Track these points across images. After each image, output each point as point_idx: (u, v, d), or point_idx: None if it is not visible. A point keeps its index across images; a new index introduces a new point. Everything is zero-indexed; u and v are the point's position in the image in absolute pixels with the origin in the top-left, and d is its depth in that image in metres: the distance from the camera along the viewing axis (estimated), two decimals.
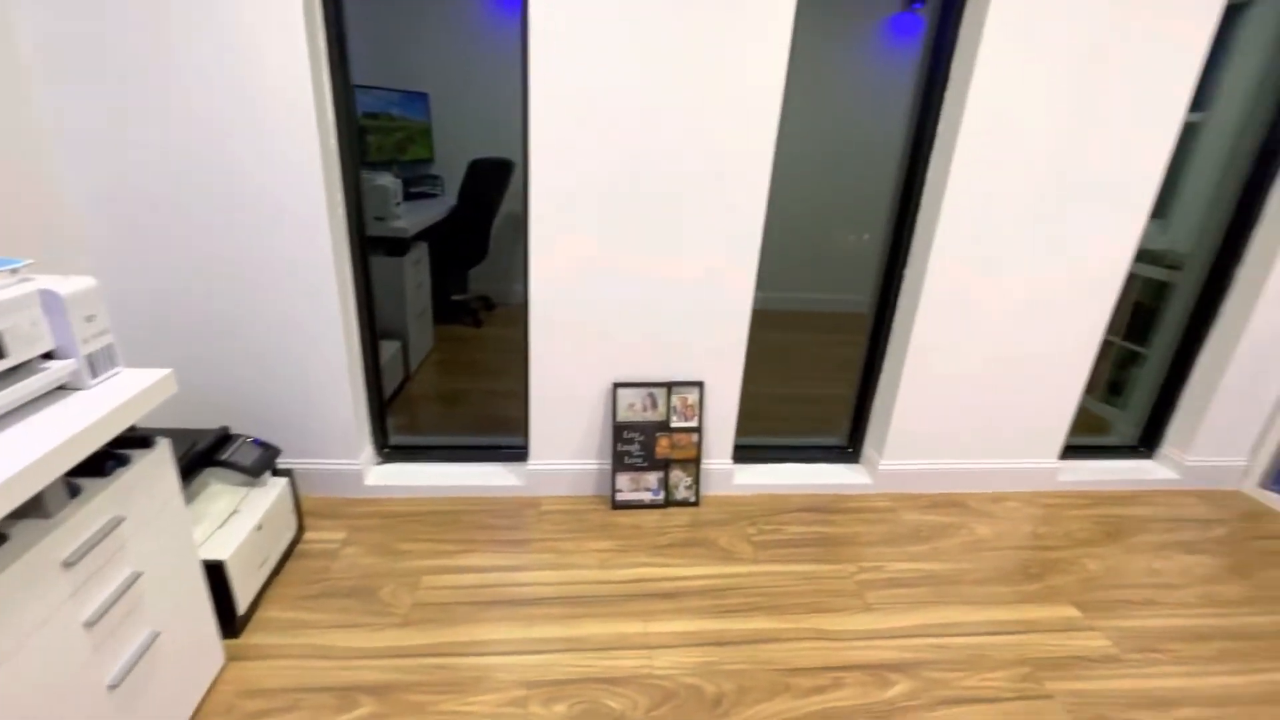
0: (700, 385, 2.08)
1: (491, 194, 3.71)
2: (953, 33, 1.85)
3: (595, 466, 2.14)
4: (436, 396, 2.85)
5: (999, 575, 1.88)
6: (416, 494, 2.09)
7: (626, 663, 1.50)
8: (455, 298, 4.04)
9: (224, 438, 1.71)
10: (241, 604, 1.50)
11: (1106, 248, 2.03)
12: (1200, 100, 2.01)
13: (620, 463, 2.08)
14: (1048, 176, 1.92)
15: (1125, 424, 2.65)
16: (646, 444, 2.08)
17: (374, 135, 3.52)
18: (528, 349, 1.98)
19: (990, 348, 2.12)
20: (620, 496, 2.09)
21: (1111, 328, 2.17)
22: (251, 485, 1.69)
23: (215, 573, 1.42)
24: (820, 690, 1.45)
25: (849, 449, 2.41)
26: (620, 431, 2.06)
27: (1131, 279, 2.10)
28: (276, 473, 1.78)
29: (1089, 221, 1.99)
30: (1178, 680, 1.55)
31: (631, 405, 2.06)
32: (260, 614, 1.58)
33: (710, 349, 2.04)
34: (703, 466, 2.16)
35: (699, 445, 2.11)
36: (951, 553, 1.98)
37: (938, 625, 1.67)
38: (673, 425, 2.09)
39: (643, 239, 1.87)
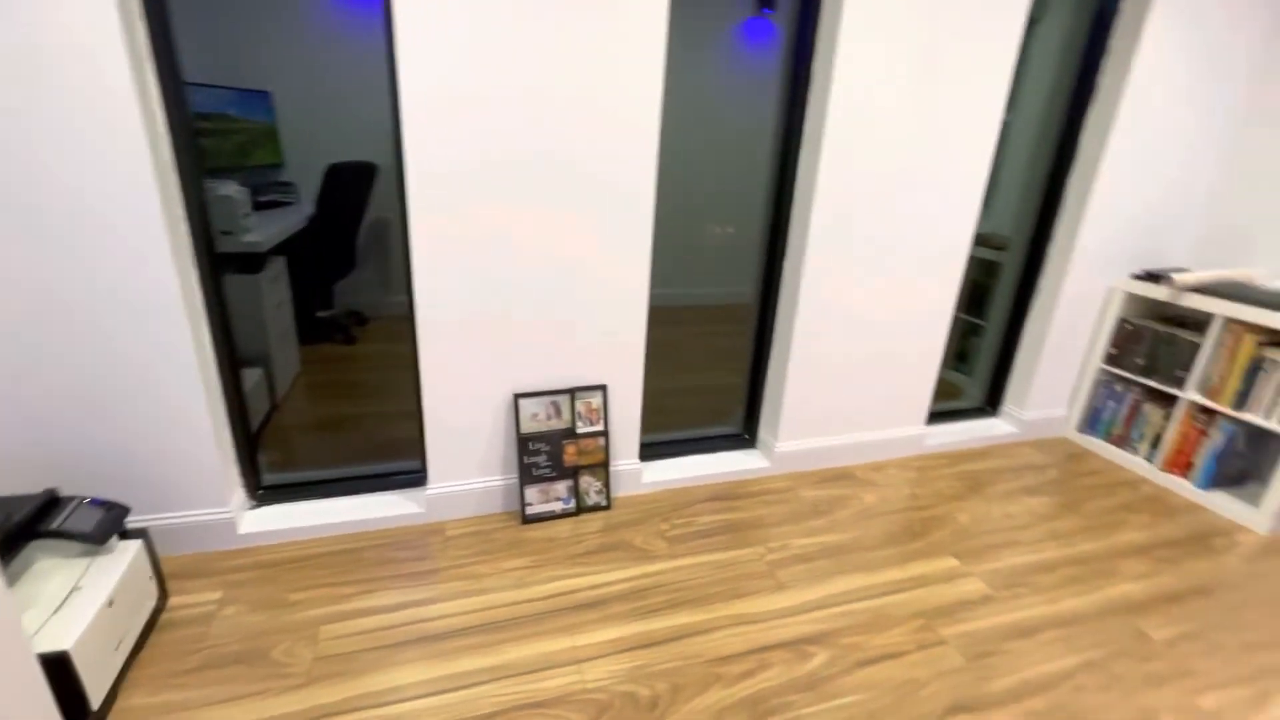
0: (603, 388, 2.07)
1: (354, 200, 3.43)
2: (811, 37, 1.98)
3: (501, 482, 2.06)
4: (312, 425, 2.60)
5: (889, 538, 2.06)
6: (302, 537, 1.89)
7: (557, 681, 1.46)
8: (322, 314, 3.70)
9: (50, 502, 1.43)
10: (95, 698, 1.27)
11: (951, 231, 2.28)
12: (1010, 102, 2.31)
13: (528, 475, 2.02)
14: (899, 168, 2.12)
15: (973, 388, 3.00)
16: (553, 453, 2.04)
17: (210, 139, 3.12)
18: (417, 362, 1.86)
19: (863, 329, 2.31)
20: (531, 510, 2.03)
21: (956, 304, 2.44)
22: (95, 554, 1.44)
23: (57, 666, 1.19)
24: (749, 674, 1.50)
25: (746, 436, 2.52)
26: (526, 443, 2.00)
27: (969, 260, 2.38)
28: (126, 535, 1.53)
29: (935, 208, 2.22)
30: (1039, 609, 1.78)
31: (535, 415, 2.00)
32: (122, 704, 1.35)
33: (610, 351, 2.03)
34: (611, 469, 2.15)
35: (606, 448, 2.11)
36: (846, 523, 2.13)
37: (843, 593, 1.80)
38: (579, 431, 2.06)
39: (534, 238, 1.82)
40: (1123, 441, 2.68)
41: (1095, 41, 2.35)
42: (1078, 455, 2.72)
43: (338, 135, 3.71)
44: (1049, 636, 1.68)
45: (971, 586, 1.85)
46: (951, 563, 1.96)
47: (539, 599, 1.71)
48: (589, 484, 2.10)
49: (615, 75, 1.73)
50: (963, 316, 3.07)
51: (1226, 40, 2.38)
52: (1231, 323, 2.29)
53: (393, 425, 2.56)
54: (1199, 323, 2.46)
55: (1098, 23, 2.33)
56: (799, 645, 1.60)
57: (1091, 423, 2.81)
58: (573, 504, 2.08)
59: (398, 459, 2.17)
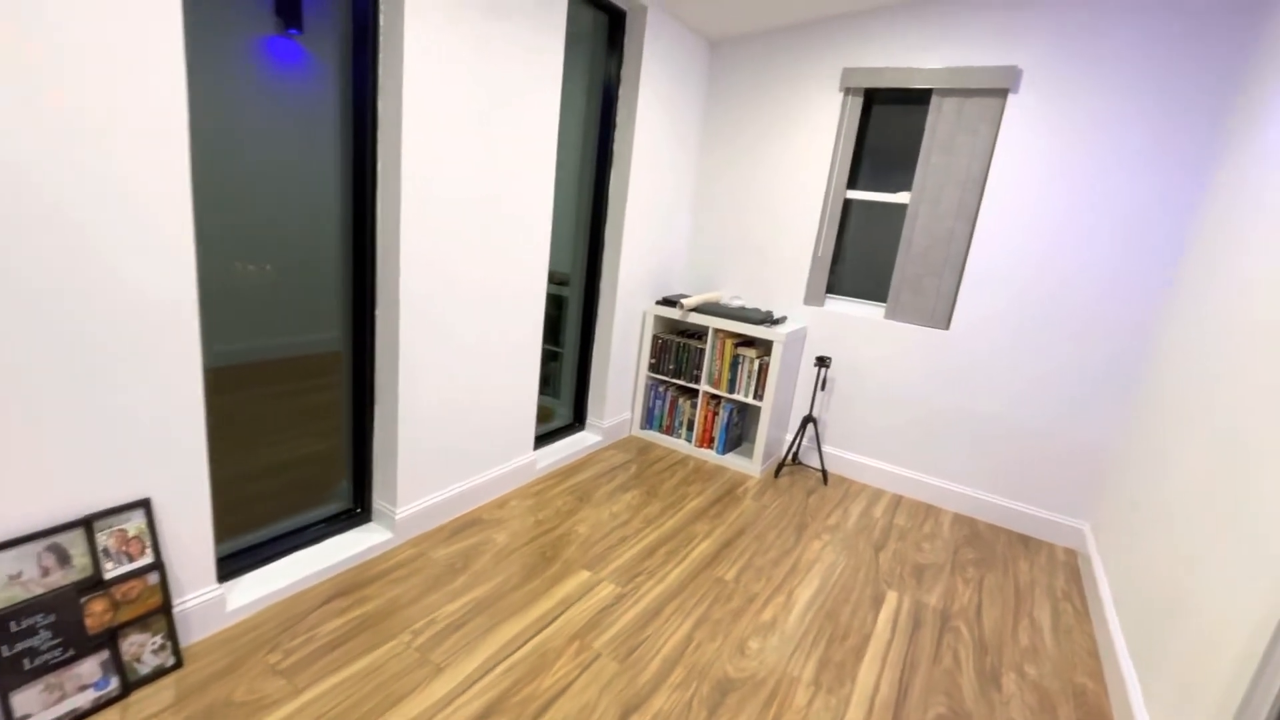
0: (145, 504, 1.48)
1: None
2: (366, 77, 1.85)
3: None
4: None
5: (528, 572, 2.10)
6: None
7: None
8: None
9: None
10: None
11: (531, 268, 2.48)
12: (559, 160, 2.64)
13: (17, 674, 1.28)
14: (481, 213, 2.19)
15: (562, 408, 3.35)
16: (62, 624, 1.35)
17: None
18: None
19: (469, 366, 2.30)
20: None
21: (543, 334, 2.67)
22: None
23: None
24: None
25: (358, 509, 2.19)
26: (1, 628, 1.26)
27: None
28: None
29: (518, 247, 2.38)
30: (656, 589, 2.10)
31: (17, 577, 1.28)
32: None
33: (151, 445, 1.47)
34: (176, 611, 1.56)
35: (163, 585, 1.51)
36: (487, 571, 2.08)
37: (502, 648, 1.75)
38: (109, 576, 1.42)
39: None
40: (670, 430, 3.42)
41: (606, 116, 2.91)
42: (645, 448, 3.33)
43: None
44: (669, 611, 2.00)
45: (606, 591, 2.05)
46: (585, 575, 2.13)
47: None
48: (139, 645, 1.47)
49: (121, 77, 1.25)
50: (544, 346, 3.39)
51: (687, 118, 3.28)
52: (717, 332, 3.17)
53: None
54: (700, 334, 3.33)
55: (605, 98, 2.89)
56: None
57: (648, 419, 3.48)
58: (114, 685, 1.42)
59: None
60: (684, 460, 3.24)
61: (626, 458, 3.17)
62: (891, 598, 2.23)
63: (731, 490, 2.96)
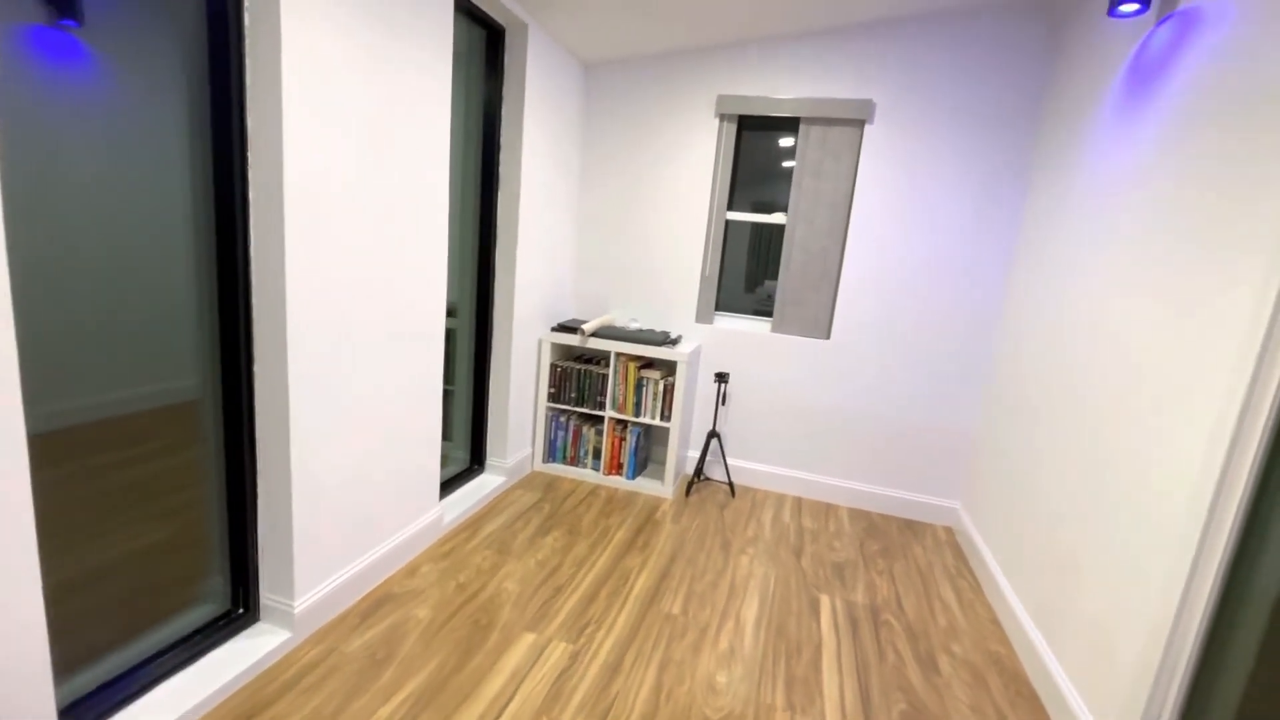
0: None
1: None
2: (228, 98, 1.53)
3: None
4: None
5: (465, 648, 1.86)
6: None
7: None
8: None
9: None
10: None
11: (429, 303, 2.23)
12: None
13: None
14: (377, 248, 1.92)
15: (457, 450, 3.06)
16: None
17: None
18: None
19: (365, 418, 2.00)
20: None
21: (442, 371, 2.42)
22: None
23: None
24: None
25: (240, 610, 1.79)
26: None
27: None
28: None
29: (415, 285, 2.13)
30: (608, 640, 1.97)
31: None
32: None
33: None
34: None
35: None
36: (417, 657, 1.81)
37: None
38: None
39: None
40: (575, 460, 3.28)
41: (489, 137, 2.73)
42: (552, 483, 3.16)
43: None
44: (629, 661, 1.88)
45: (558, 652, 1.88)
46: (530, 638, 1.94)
47: None
48: None
49: None
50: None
51: (569, 139, 3.20)
52: (619, 355, 3.12)
53: None
54: (599, 359, 3.25)
55: (487, 119, 2.72)
56: None
57: (551, 452, 3.32)
58: None
59: None
60: (595, 491, 3.12)
61: (536, 496, 2.98)
62: (825, 602, 2.32)
63: (650, 516, 2.91)
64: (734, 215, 3.30)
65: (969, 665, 2.03)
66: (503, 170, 2.79)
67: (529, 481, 3.14)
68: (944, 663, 2.03)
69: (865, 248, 3.08)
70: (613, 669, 1.84)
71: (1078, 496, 1.91)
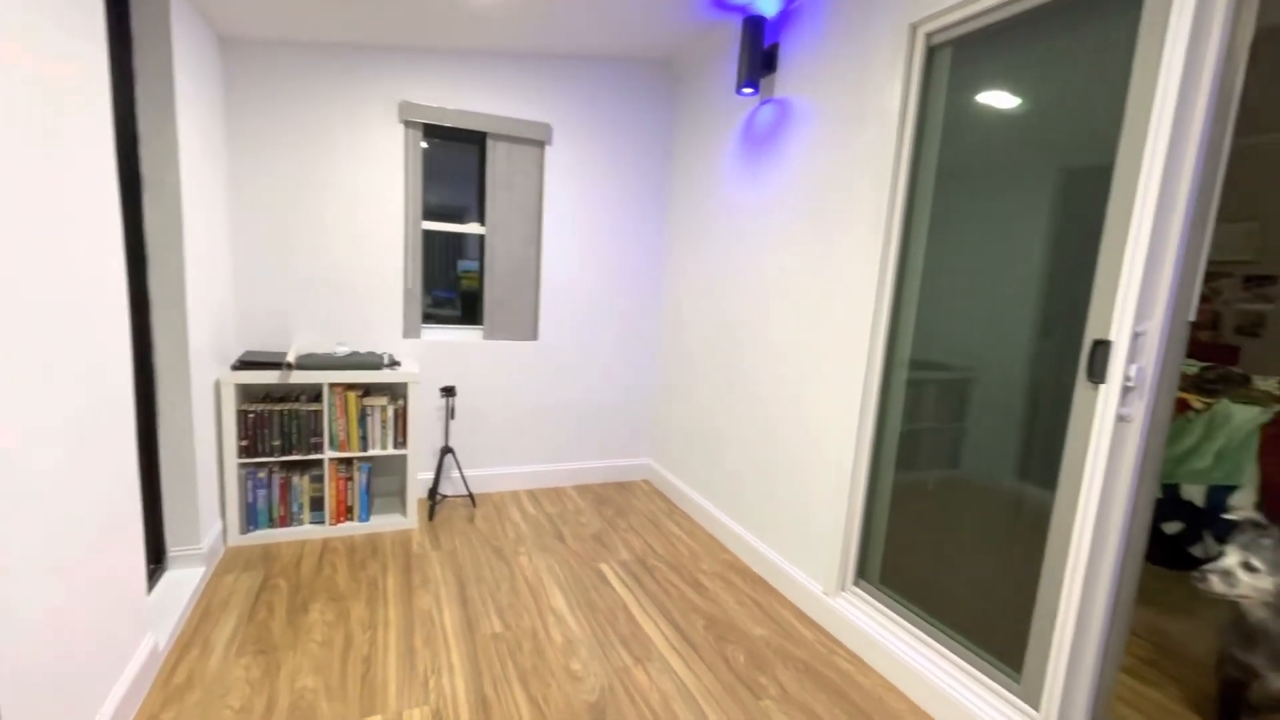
0: None
1: None
2: None
3: None
4: None
5: None
6: None
7: None
8: None
9: None
10: None
11: (106, 365, 1.62)
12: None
13: None
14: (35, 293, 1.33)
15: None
16: None
17: None
18: None
19: (27, 553, 1.39)
20: None
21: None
22: None
23: None
24: None
25: None
26: None
27: None
28: None
29: (75, 336, 1.53)
30: (458, 682, 1.89)
31: None
32: None
33: None
34: None
35: None
36: None
37: None
38: None
39: None
40: (287, 520, 2.75)
41: (124, 126, 2.03)
42: (266, 555, 2.59)
43: None
44: (488, 690, 1.87)
45: (419, 719, 1.73)
46: None
47: None
48: None
49: None
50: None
51: (215, 131, 2.57)
52: (333, 387, 2.74)
53: None
54: (304, 393, 2.78)
55: (121, 101, 2.01)
56: None
57: (251, 518, 2.69)
58: None
59: None
60: (329, 546, 2.71)
61: (258, 575, 2.42)
62: (606, 569, 2.67)
63: (408, 550, 2.72)
64: (431, 225, 3.23)
65: (718, 576, 2.69)
66: (148, 170, 2.11)
67: (232, 562, 2.51)
68: (704, 580, 2.64)
69: (560, 255, 3.45)
70: (483, 705, 1.80)
71: (747, 425, 2.73)
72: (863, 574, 2.27)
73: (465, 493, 3.36)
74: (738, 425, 2.92)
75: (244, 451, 2.63)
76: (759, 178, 2.77)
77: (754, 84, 2.67)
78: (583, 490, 3.60)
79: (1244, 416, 2.56)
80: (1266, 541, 1.42)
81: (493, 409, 3.42)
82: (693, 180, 3.35)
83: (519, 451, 3.53)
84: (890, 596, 2.15)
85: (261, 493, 2.70)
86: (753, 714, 1.83)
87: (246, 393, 2.72)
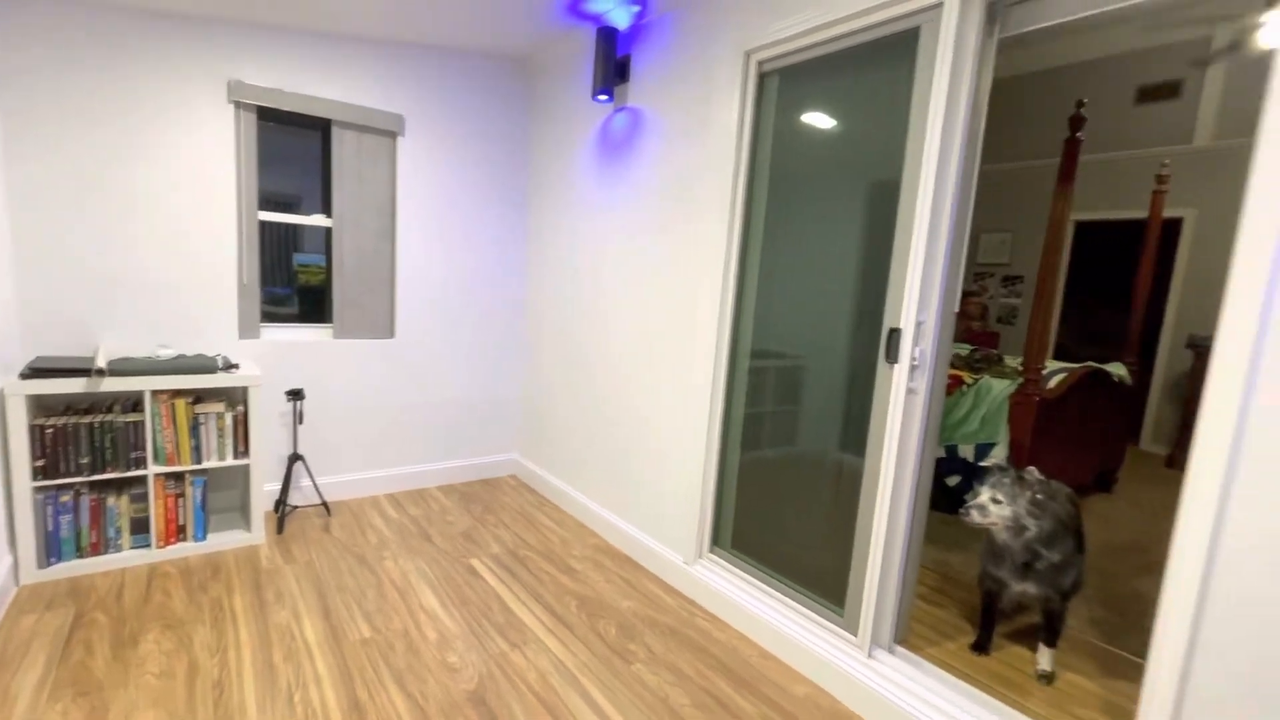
0: None
1: None
2: None
3: None
4: None
5: None
6: None
7: None
8: None
9: None
10: None
11: None
12: None
13: None
14: None
15: None
16: None
17: None
18: None
19: None
20: None
21: None
22: None
23: None
24: None
25: None
26: None
27: None
28: None
29: None
30: (327, 695, 1.84)
31: None
32: None
33: None
34: None
35: None
36: None
37: None
38: None
39: None
40: (100, 548, 2.42)
41: None
42: (75, 588, 2.27)
43: None
44: (363, 693, 1.83)
45: None
46: None
47: None
48: None
49: None
50: None
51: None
52: (157, 394, 2.46)
53: None
54: (120, 402, 2.45)
55: None
56: None
57: (54, 550, 2.33)
58: None
59: None
60: (159, 571, 2.43)
61: (67, 612, 2.12)
62: (477, 564, 2.69)
63: (256, 567, 2.52)
64: (268, 216, 2.99)
65: (588, 559, 2.82)
66: None
67: (30, 602, 2.17)
68: (575, 564, 2.76)
69: (416, 250, 3.36)
70: (357, 709, 1.77)
71: (608, 415, 2.91)
72: (717, 542, 2.53)
73: (318, 501, 3.16)
74: (598, 415, 3.06)
75: (41, 472, 2.27)
76: (616, 179, 2.93)
77: (609, 91, 2.81)
78: (448, 490, 3.54)
79: (999, 388, 3.22)
80: (1006, 480, 1.85)
81: (346, 412, 3.25)
82: (552, 179, 3.43)
83: (377, 455, 3.39)
84: (741, 559, 2.42)
85: (66, 518, 2.35)
86: (625, 678, 1.99)
87: (41, 404, 2.35)
